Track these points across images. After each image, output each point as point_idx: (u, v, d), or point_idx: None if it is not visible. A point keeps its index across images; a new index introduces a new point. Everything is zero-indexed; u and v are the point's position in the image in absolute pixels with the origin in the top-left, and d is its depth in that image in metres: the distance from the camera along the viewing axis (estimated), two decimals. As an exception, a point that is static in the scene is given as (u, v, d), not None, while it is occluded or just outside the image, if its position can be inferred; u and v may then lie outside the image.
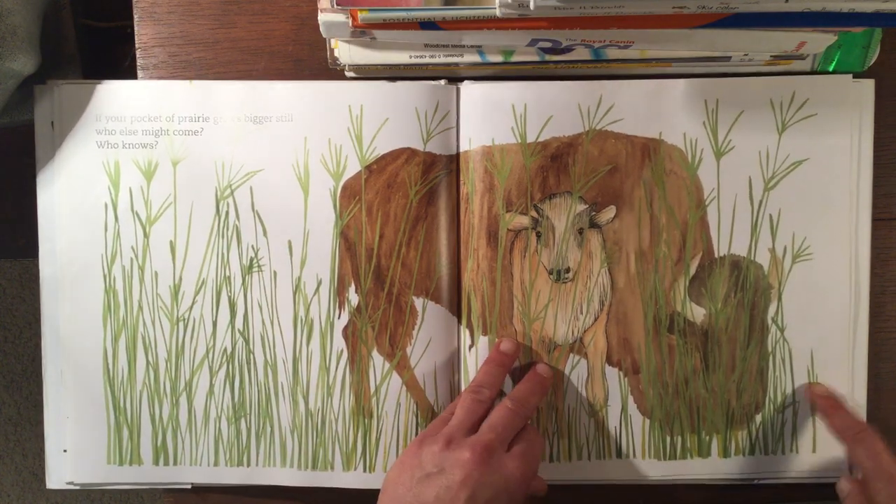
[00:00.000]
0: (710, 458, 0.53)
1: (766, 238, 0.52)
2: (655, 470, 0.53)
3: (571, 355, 0.52)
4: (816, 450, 0.53)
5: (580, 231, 0.52)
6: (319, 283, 0.52)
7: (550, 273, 0.52)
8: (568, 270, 0.52)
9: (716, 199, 0.52)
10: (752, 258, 0.52)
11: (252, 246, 0.52)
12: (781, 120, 0.52)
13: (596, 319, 0.52)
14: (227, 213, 0.52)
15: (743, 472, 0.53)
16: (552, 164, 0.52)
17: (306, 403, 0.53)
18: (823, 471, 0.53)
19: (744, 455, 0.53)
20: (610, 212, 0.52)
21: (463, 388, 0.53)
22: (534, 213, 0.52)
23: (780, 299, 0.52)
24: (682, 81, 0.52)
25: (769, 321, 0.52)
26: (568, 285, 0.52)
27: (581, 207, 0.52)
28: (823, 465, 0.53)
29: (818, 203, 0.52)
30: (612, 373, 0.52)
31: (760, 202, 0.52)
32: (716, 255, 0.52)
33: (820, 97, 0.52)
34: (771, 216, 0.52)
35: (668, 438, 0.52)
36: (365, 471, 0.52)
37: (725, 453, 0.53)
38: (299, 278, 0.52)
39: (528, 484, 0.45)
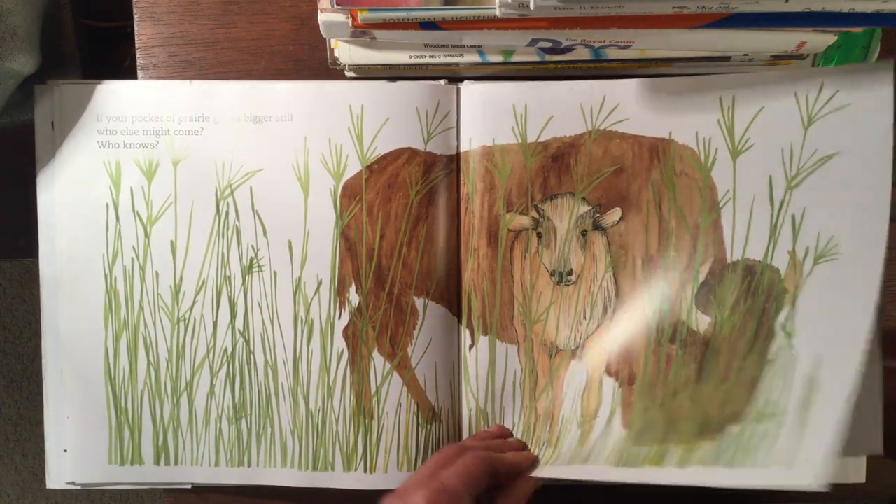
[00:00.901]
0: (665, 468, 0.47)
1: (786, 240, 0.48)
2: (605, 475, 0.48)
3: (573, 362, 0.52)
4: (795, 465, 0.43)
5: (583, 233, 0.51)
6: (320, 284, 0.52)
7: (552, 275, 0.52)
8: (570, 273, 0.51)
9: (731, 200, 0.49)
10: (769, 262, 0.49)
11: (252, 246, 0.52)
12: (808, 113, 0.48)
13: (599, 326, 0.51)
14: (227, 213, 0.52)
15: (693, 481, 0.46)
16: (553, 165, 0.52)
17: (307, 404, 0.53)
18: (795, 489, 0.44)
19: (704, 465, 0.46)
20: (615, 214, 0.51)
21: (463, 388, 0.53)
22: (534, 214, 0.52)
23: (794, 304, 0.48)
24: (693, 78, 0.50)
25: (777, 328, 0.48)
26: (570, 288, 0.52)
27: (584, 209, 0.51)
28: (798, 482, 0.43)
29: (850, 199, 0.47)
30: (609, 383, 0.51)
31: (782, 202, 0.49)
32: (728, 261, 0.49)
33: (853, 85, 0.47)
34: (794, 216, 0.48)
35: (635, 448, 0.48)
36: (366, 472, 0.52)
37: (682, 463, 0.47)
38: (299, 278, 0.52)
39: None
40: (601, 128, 0.51)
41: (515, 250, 0.52)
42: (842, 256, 0.47)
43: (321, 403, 0.53)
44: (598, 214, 0.51)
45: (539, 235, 0.52)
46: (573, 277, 0.52)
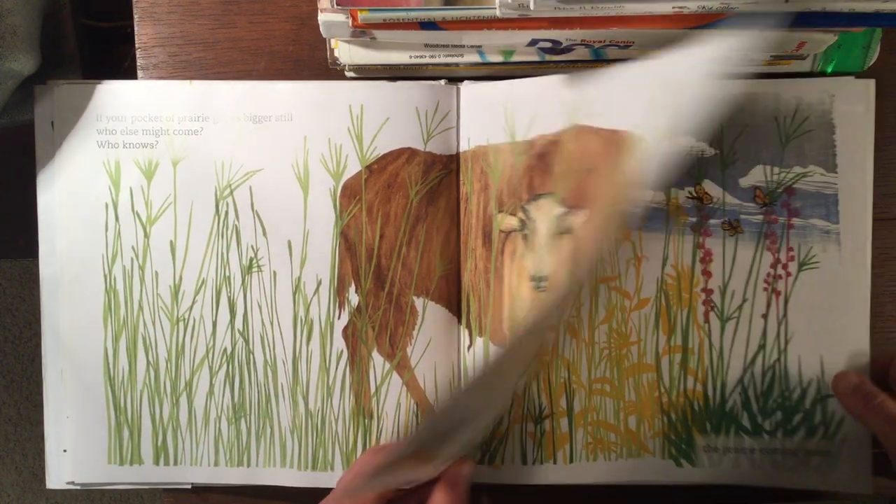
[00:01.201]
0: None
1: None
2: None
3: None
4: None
5: (562, 235, 0.51)
6: (319, 284, 0.52)
7: (531, 280, 0.51)
8: (545, 278, 0.51)
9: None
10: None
11: (252, 246, 0.52)
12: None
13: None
14: (226, 212, 0.52)
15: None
16: (538, 164, 0.51)
17: (306, 404, 0.53)
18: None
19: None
20: (582, 216, 0.50)
21: (463, 387, 0.53)
22: (521, 215, 0.52)
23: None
24: (660, 60, 0.48)
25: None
26: (543, 295, 0.51)
27: (560, 210, 0.51)
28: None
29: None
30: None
31: None
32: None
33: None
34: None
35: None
36: None
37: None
38: (299, 278, 0.52)
39: None
40: (581, 123, 0.50)
41: (506, 252, 0.52)
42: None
43: (321, 403, 0.53)
44: (570, 217, 0.50)
45: (525, 237, 0.52)
46: (545, 283, 0.51)
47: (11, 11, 0.47)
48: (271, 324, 0.53)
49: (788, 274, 0.52)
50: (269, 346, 0.53)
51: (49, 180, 0.53)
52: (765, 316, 0.52)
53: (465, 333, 0.52)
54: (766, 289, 0.52)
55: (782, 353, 0.51)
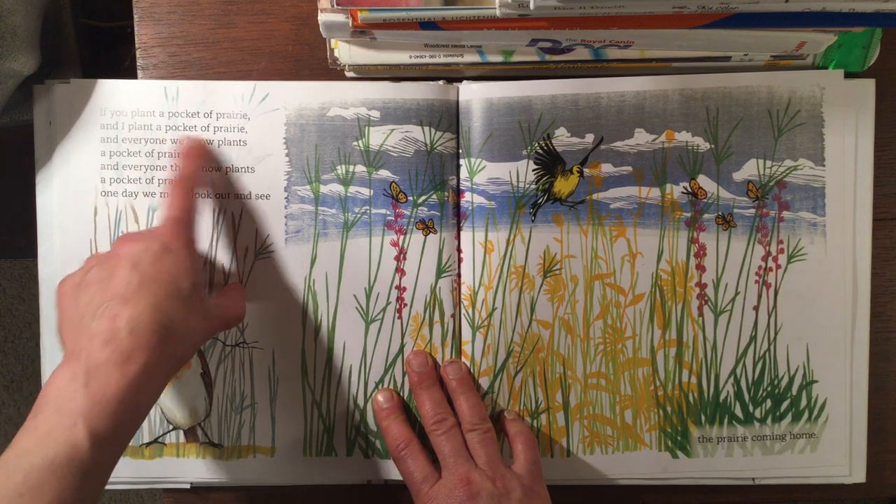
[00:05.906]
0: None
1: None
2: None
3: None
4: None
5: None
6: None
7: None
8: None
9: None
10: None
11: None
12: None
13: None
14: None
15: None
16: None
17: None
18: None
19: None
20: None
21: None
22: None
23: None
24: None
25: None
26: None
27: None
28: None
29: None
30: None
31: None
32: None
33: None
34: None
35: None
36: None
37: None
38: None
39: None
40: None
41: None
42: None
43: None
44: None
45: None
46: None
47: (11, 11, 0.47)
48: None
49: (778, 266, 0.52)
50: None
51: (47, 180, 0.52)
52: (756, 308, 0.52)
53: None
54: (757, 281, 0.52)
55: (772, 344, 0.53)
